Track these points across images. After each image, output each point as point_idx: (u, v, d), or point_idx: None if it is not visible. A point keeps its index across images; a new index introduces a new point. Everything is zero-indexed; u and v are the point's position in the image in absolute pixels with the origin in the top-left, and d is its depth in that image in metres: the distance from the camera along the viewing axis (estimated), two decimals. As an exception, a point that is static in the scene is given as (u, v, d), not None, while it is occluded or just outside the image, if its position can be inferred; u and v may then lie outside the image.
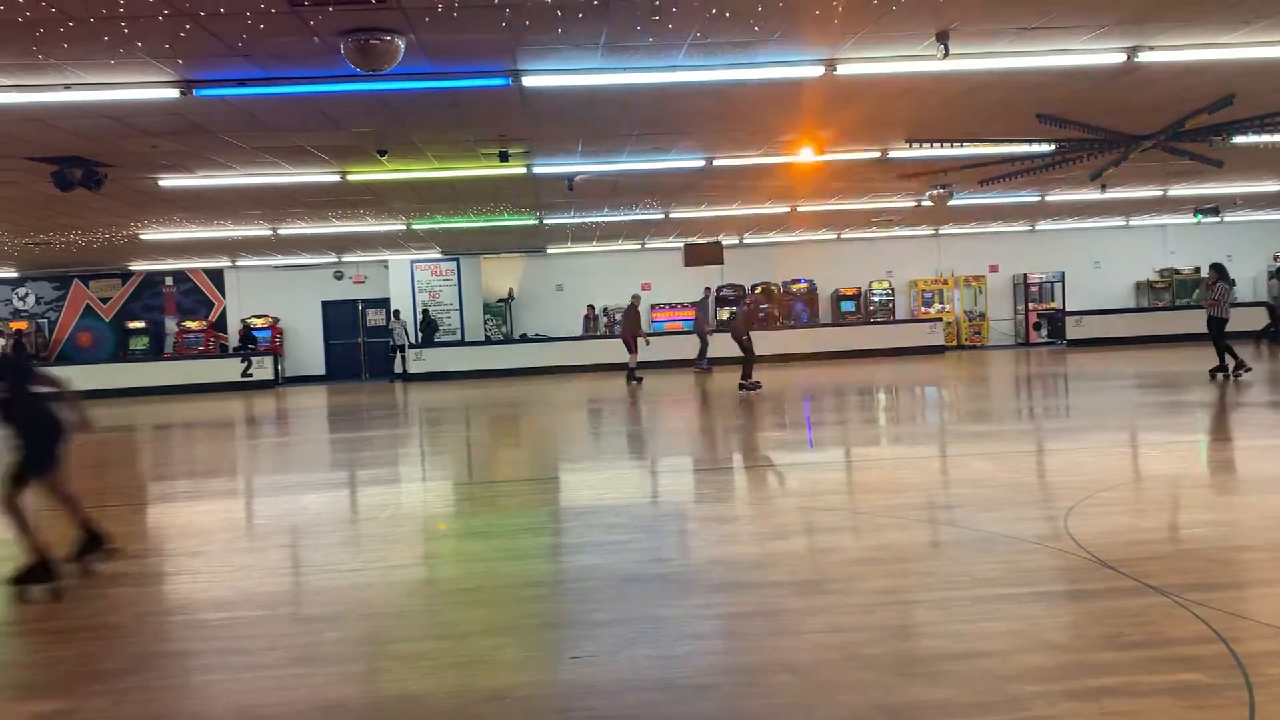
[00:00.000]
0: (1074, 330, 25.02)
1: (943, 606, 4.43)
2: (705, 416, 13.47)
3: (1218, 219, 23.97)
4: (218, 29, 7.49)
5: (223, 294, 26.63)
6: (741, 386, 15.99)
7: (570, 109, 10.47)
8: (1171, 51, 9.12)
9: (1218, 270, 15.09)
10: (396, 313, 25.14)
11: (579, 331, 26.08)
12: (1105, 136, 12.66)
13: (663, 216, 19.75)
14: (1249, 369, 14.63)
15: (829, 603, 4.55)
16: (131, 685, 3.92)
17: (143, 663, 4.19)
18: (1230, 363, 14.56)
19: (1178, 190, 19.86)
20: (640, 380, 19.38)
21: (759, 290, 26.16)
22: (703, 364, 20.76)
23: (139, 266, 25.57)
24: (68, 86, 8.74)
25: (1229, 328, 14.74)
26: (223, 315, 26.58)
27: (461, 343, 25.47)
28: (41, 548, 5.35)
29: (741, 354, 16.23)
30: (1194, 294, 26.21)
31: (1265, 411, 11.40)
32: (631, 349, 19.80)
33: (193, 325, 25.96)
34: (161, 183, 13.43)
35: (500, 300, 26.86)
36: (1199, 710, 3.23)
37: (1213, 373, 14.74)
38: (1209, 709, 3.24)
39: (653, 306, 26.87)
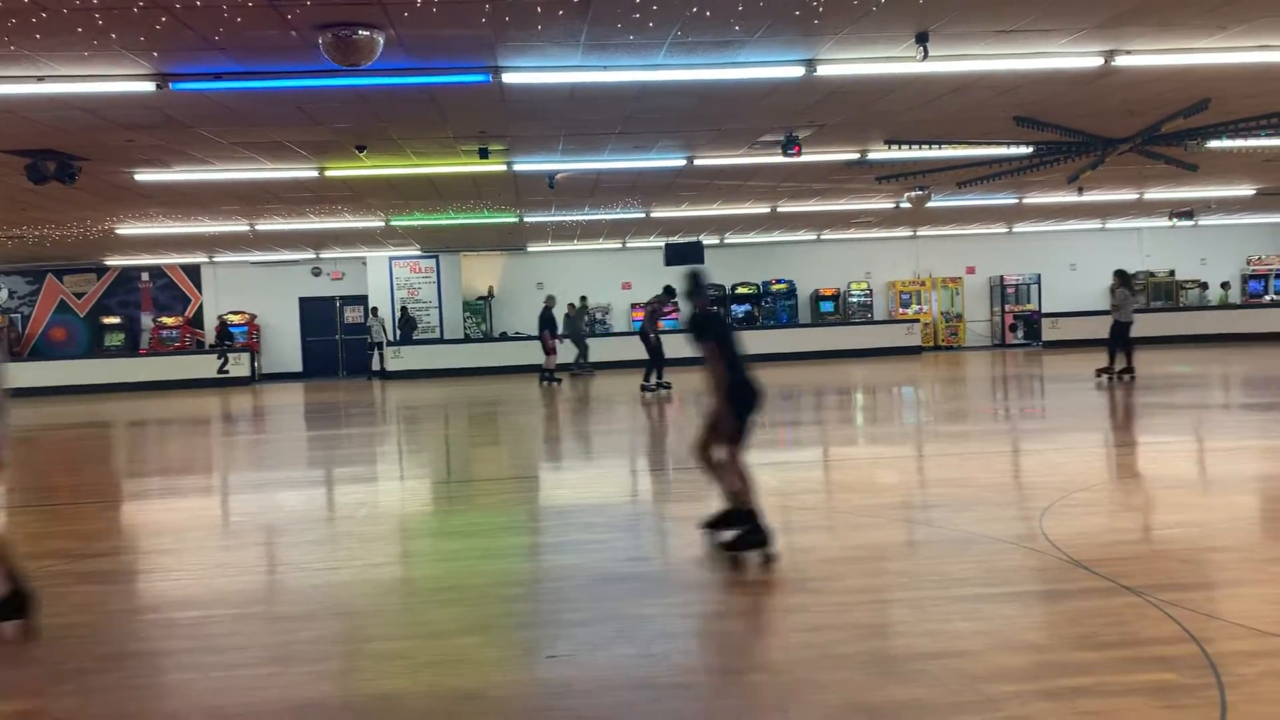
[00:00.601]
0: (1050, 332, 25.19)
1: (919, 606, 4.44)
2: (673, 418, 13.48)
3: (1192, 223, 24.20)
4: (194, 22, 7.42)
5: (199, 290, 26.41)
6: (644, 388, 16.48)
7: (551, 106, 10.44)
8: (1148, 56, 9.19)
9: (1119, 276, 15.69)
10: (374, 310, 25.02)
11: (559, 330, 26.00)
12: (1082, 139, 12.75)
13: (644, 215, 19.74)
14: (1132, 376, 15.06)
15: (806, 602, 4.55)
16: (101, 685, 3.87)
17: (113, 662, 4.14)
18: (1119, 365, 15.12)
19: (1153, 194, 20.02)
20: (559, 382, 19.29)
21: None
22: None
23: (114, 261, 25.32)
24: (41, 78, 8.63)
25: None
26: (199, 311, 26.36)
27: (440, 341, 25.36)
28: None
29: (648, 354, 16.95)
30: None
31: (1238, 414, 11.52)
32: (548, 350, 19.69)
33: (169, 321, 25.73)
34: (137, 177, 13.30)
35: (480, 298, 26.77)
36: (1171, 710, 3.25)
37: (1100, 372, 15.44)
38: (1181, 709, 3.26)
39: (633, 305, 26.85)
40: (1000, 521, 5.99)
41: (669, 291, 16.51)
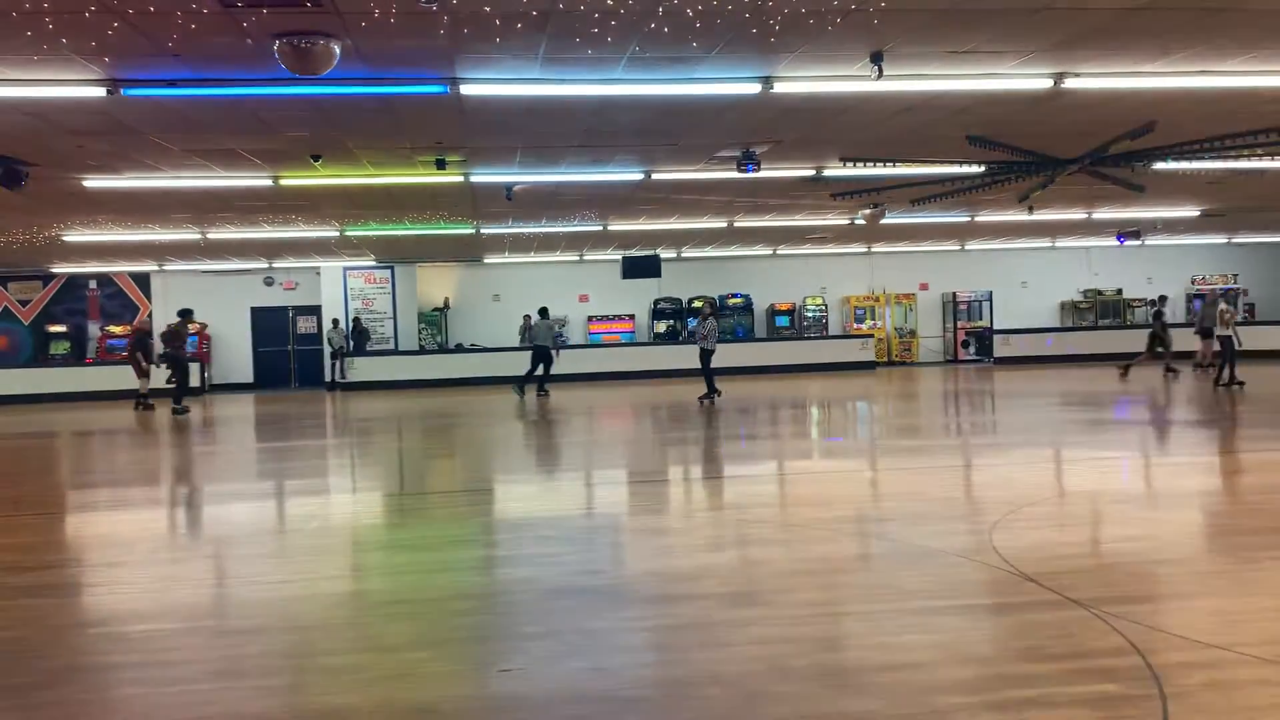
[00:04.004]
0: (1001, 348, 25.56)
1: (870, 619, 4.48)
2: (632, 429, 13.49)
3: (1139, 242, 24.72)
4: (147, 28, 7.33)
5: (149, 298, 25.96)
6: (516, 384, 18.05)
7: (509, 118, 10.43)
8: (1096, 79, 9.39)
9: (711, 305, 16.99)
10: (335, 321, 24.71)
11: (516, 342, 25.93)
12: (1032, 159, 12.98)
13: (601, 228, 19.76)
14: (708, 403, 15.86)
15: (758, 615, 4.57)
16: (45, 700, 3.79)
17: (57, 677, 4.05)
18: (718, 392, 16.34)
19: (1101, 213, 20.42)
20: (152, 408, 18.00)
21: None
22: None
23: (61, 269, 24.83)
24: (-12, 82, 8.48)
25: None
26: (148, 320, 25.92)
27: (395, 352, 25.17)
28: None
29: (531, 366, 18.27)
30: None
31: (1183, 430, 11.76)
32: (139, 373, 18.46)
33: (117, 330, 25.26)
34: (86, 183, 13.07)
35: (436, 309, 26.62)
36: (1115, 720, 3.31)
37: (701, 399, 16.18)
38: (1124, 719, 3.32)
39: (590, 318, 26.88)
40: (951, 535, 6.06)
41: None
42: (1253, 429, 11.50)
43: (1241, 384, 16.02)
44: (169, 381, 17.87)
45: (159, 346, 19.21)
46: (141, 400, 18.49)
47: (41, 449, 13.83)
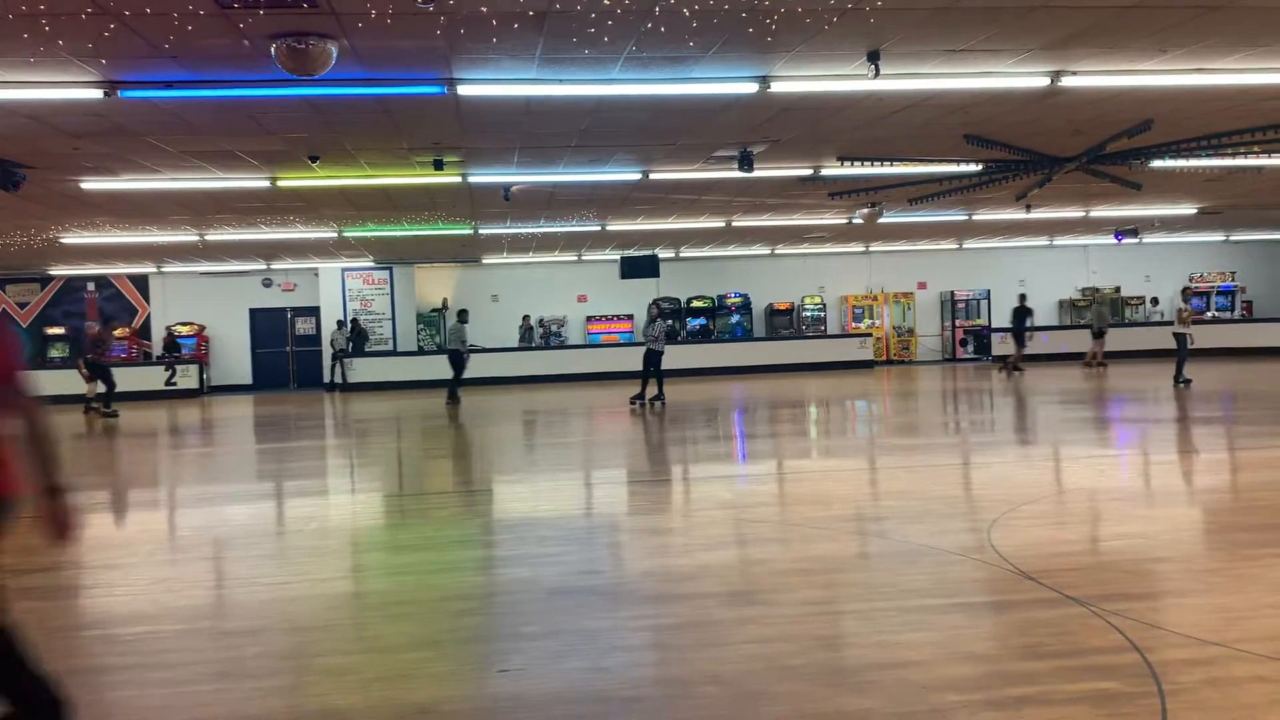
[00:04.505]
0: (999, 347, 25.56)
1: (869, 617, 4.48)
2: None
3: (1137, 240, 24.73)
4: (143, 29, 7.32)
5: (147, 300, 25.95)
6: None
7: (507, 119, 10.43)
8: (1093, 77, 9.40)
9: (657, 307, 16.90)
10: (340, 323, 24.67)
11: (514, 343, 25.95)
12: (1030, 158, 13.00)
13: (599, 228, 19.76)
14: (660, 406, 15.78)
15: (757, 614, 4.58)
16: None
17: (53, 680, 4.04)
18: (651, 392, 16.15)
19: (1099, 211, 20.43)
20: (113, 413, 17.70)
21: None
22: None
23: (59, 271, 24.82)
24: (-15, 84, 8.47)
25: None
26: (147, 322, 25.91)
27: (394, 353, 25.17)
28: None
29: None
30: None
31: (1178, 428, 11.77)
32: (86, 378, 18.22)
33: (115, 332, 25.24)
34: (84, 185, 13.07)
35: (434, 310, 26.61)
36: (1114, 718, 3.31)
37: (639, 400, 16.16)
38: (1123, 716, 3.32)
39: (589, 318, 26.88)
40: (949, 533, 6.06)
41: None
42: (1247, 425, 11.53)
43: (1188, 382, 16.32)
44: (168, 384, 17.87)
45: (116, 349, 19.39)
46: (91, 405, 18.42)
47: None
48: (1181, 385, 16.14)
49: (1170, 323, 20.54)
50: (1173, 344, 17.01)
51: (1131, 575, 5.08)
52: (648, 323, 16.75)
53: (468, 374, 18.61)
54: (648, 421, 14.04)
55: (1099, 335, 21.57)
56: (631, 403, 16.12)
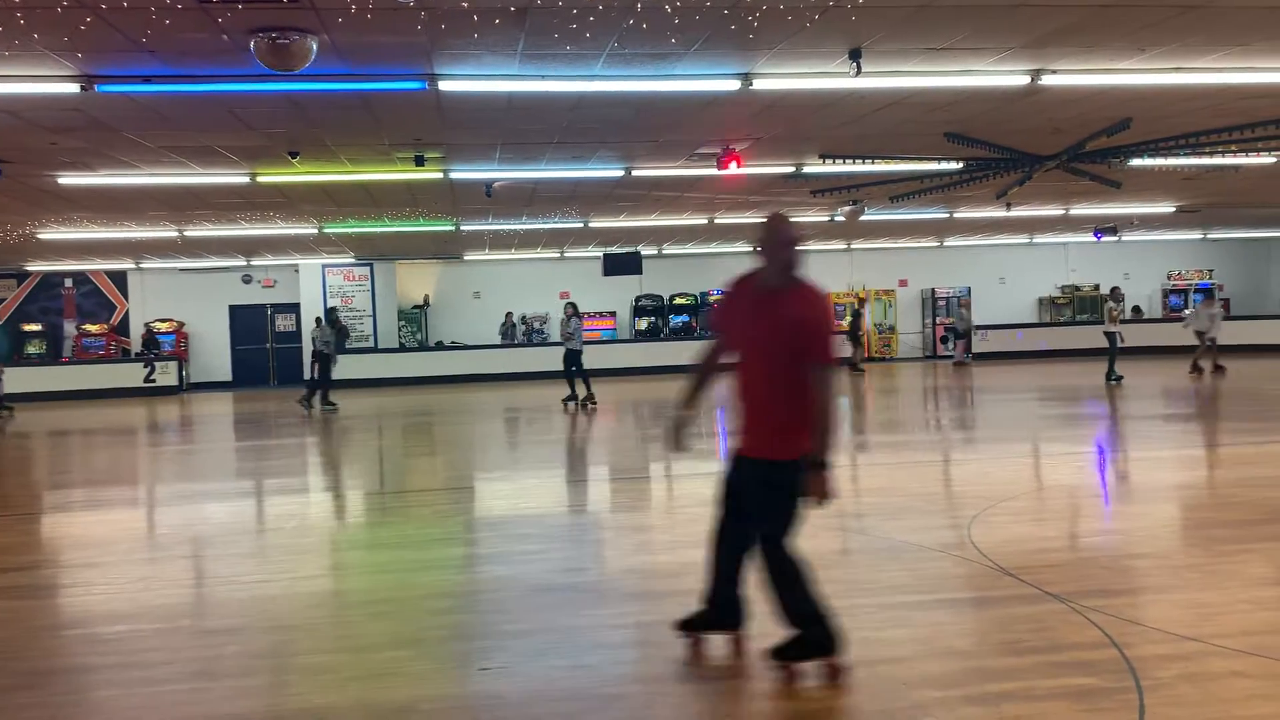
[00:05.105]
0: (980, 344, 25.68)
1: (850, 614, 4.49)
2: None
3: (1116, 238, 24.89)
4: (121, 23, 7.25)
5: (125, 297, 25.73)
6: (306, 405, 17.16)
7: (488, 115, 10.39)
8: (1072, 75, 9.44)
9: (573, 306, 16.52)
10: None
11: (496, 340, 25.88)
12: (1010, 156, 13.05)
13: (582, 225, 19.73)
14: (592, 407, 15.62)
15: (739, 611, 4.57)
16: (22, 702, 3.76)
17: (34, 679, 4.02)
18: (581, 393, 15.89)
19: (1079, 210, 20.55)
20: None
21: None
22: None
23: (36, 267, 24.56)
24: (-41, 78, 8.37)
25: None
26: (125, 318, 25.68)
27: (375, 350, 25.06)
28: None
29: None
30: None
31: (1158, 424, 11.87)
32: None
33: (93, 329, 25.04)
34: (61, 180, 12.94)
35: (415, 306, 26.50)
36: (1092, 713, 3.34)
37: (564, 401, 15.99)
38: (1101, 711, 3.35)
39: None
40: (930, 530, 6.09)
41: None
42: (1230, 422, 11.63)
43: (1120, 378, 16.70)
44: (146, 381, 17.77)
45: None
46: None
47: (17, 449, 13.70)
48: (1113, 382, 16.44)
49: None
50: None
51: (1109, 571, 5.11)
52: (564, 321, 16.40)
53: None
54: (629, 420, 14.04)
55: (961, 336, 22.59)
56: (564, 404, 16.03)
